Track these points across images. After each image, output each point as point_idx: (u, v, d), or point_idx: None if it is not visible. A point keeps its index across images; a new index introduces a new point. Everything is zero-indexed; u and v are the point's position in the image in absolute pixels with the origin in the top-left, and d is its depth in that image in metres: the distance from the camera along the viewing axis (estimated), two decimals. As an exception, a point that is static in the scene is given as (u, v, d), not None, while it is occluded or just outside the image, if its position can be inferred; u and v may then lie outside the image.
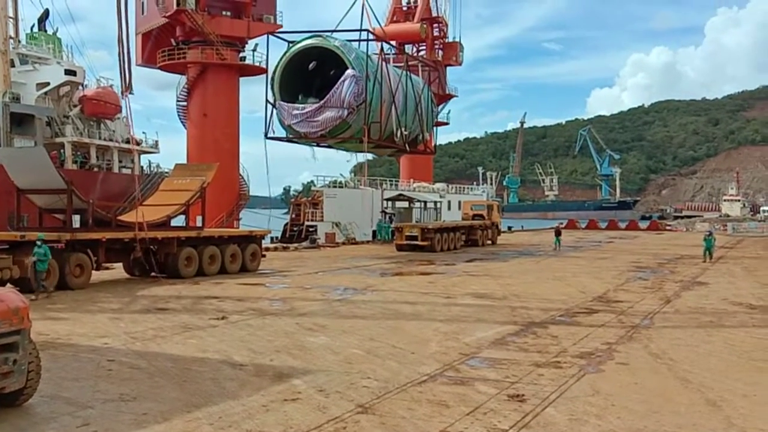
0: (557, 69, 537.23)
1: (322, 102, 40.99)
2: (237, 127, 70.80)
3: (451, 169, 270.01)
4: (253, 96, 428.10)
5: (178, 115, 70.43)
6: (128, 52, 26.90)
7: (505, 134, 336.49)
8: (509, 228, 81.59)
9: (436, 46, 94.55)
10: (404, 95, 47.31)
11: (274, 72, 42.40)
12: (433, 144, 55.98)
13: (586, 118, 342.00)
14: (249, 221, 65.34)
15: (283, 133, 43.73)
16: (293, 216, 62.62)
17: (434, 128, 55.30)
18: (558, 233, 48.53)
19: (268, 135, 43.24)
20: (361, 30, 45.00)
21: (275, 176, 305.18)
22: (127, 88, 26.86)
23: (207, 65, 66.85)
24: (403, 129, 46.79)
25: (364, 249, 47.76)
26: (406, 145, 48.46)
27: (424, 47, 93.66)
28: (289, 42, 43.55)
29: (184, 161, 62.45)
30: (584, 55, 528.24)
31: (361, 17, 46.84)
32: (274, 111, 42.78)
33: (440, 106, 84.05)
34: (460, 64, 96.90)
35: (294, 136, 43.72)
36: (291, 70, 42.53)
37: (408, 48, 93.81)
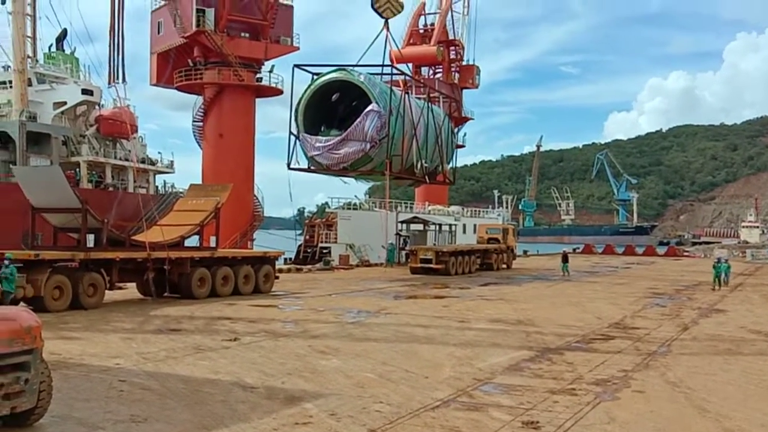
0: (574, 92, 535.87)
1: (344, 134, 41.62)
2: (252, 147, 71.20)
3: (467, 192, 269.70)
4: (269, 117, 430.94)
5: (194, 135, 70.96)
6: (120, 40, 27.05)
7: (521, 157, 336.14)
8: (525, 252, 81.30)
9: (453, 69, 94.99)
10: (425, 127, 47.95)
11: (298, 104, 43.20)
12: (451, 174, 56.41)
13: (603, 142, 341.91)
14: (263, 242, 65.48)
15: (305, 163, 44.36)
16: (307, 237, 62.63)
17: (454, 159, 55.87)
18: (565, 259, 47.74)
19: (291, 165, 43.80)
20: (383, 65, 45.75)
21: (288, 196, 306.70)
22: (115, 77, 26.89)
23: (224, 86, 67.36)
24: (423, 161, 47.25)
25: (378, 271, 47.69)
26: (426, 177, 48.95)
27: (441, 70, 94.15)
28: (313, 74, 44.15)
29: (199, 181, 62.80)
30: (601, 78, 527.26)
31: (384, 49, 47.54)
32: (297, 142, 43.33)
33: (456, 129, 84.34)
34: (476, 87, 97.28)
35: (316, 168, 44.36)
36: (315, 101, 43.66)
37: (424, 71, 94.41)
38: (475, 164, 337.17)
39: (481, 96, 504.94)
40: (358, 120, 41.08)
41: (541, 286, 38.87)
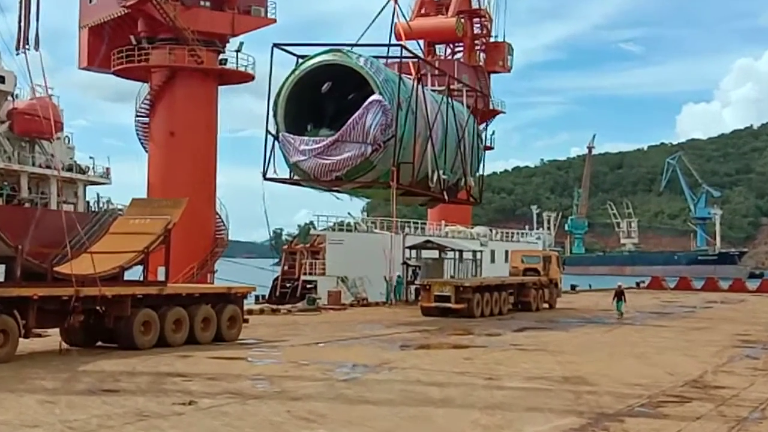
0: (636, 78, 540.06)
1: (338, 134, 41.58)
2: (214, 150, 71.49)
3: (496, 209, 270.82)
4: (236, 110, 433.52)
5: (137, 135, 71.22)
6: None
7: (567, 163, 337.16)
8: (573, 287, 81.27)
9: (477, 47, 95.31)
10: (444, 128, 48.10)
11: (278, 95, 43.14)
12: (477, 190, 56.43)
13: (675, 143, 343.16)
14: (227, 274, 65.56)
15: (285, 172, 44.40)
16: (285, 268, 62.72)
17: (481, 171, 56.00)
18: (620, 296, 47.69)
19: (267, 175, 43.86)
20: (390, 45, 45.88)
21: (262, 215, 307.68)
22: (26, 41, 26.83)
23: (177, 70, 67.67)
24: (440, 172, 47.34)
25: (380, 313, 47.64)
26: (444, 193, 49.01)
27: (462, 48, 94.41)
28: (298, 56, 44.22)
29: (144, 195, 62.96)
30: (672, 59, 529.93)
31: (391, 24, 47.69)
32: (276, 144, 43.39)
33: (483, 126, 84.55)
34: (508, 71, 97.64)
35: (301, 178, 44.35)
36: (300, 92, 43.40)
37: (440, 49, 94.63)
38: (506, 172, 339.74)
39: (514, 82, 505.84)
40: (357, 115, 41.04)
41: (594, 331, 38.76)
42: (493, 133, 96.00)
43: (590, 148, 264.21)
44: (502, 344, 31.68)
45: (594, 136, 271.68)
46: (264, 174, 44.09)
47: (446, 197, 50.18)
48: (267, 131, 43.74)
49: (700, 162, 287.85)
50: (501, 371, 24.10)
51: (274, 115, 43.44)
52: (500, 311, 47.24)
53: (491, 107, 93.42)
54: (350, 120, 41.18)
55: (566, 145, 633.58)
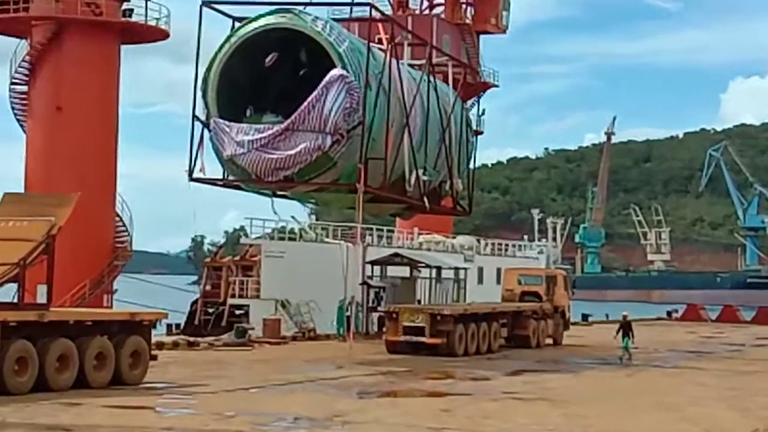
0: (670, 43, 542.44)
1: (288, 121, 41.43)
2: (114, 131, 71.00)
3: (486, 213, 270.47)
4: (146, 78, 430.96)
5: (12, 110, 70.57)
6: None
7: (579, 154, 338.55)
8: (585, 317, 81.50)
9: (463, 0, 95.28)
10: (424, 114, 48.09)
11: (209, 69, 42.99)
12: (465, 196, 56.31)
13: (719, 129, 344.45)
14: (130, 295, 65.29)
15: (217, 170, 44.29)
16: (207, 288, 62.46)
17: (471, 171, 55.85)
18: (626, 329, 46.06)
19: (194, 174, 43.70)
20: (355, 3, 45.89)
21: (177, 218, 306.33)
22: None
23: (66, 23, 67.18)
24: (420, 172, 47.27)
25: (332, 348, 47.71)
26: (425, 198, 48.83)
27: (442, 1, 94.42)
28: (234, 18, 44.07)
29: (19, 189, 62.39)
30: (714, 20, 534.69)
31: None
32: (206, 133, 43.27)
33: (470, 103, 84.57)
34: (503, 31, 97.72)
35: (238, 178, 44.26)
36: (237, 66, 43.32)
37: (414, 2, 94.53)
38: (500, 164, 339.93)
39: (511, 47, 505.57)
40: (314, 96, 40.92)
41: (612, 376, 38.96)
42: (483, 113, 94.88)
43: (609, 135, 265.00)
44: (491, 392, 31.66)
45: (614, 120, 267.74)
46: (190, 173, 43.96)
47: (427, 204, 49.95)
48: (193, 116, 43.64)
49: (752, 154, 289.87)
50: (490, 428, 24.15)
51: (203, 96, 43.24)
52: (490, 348, 47.28)
53: (480, 79, 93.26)
54: (304, 103, 41.06)
55: (578, 130, 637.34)
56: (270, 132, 41.61)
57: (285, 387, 31.67)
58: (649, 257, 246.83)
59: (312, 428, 23.36)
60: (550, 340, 53.85)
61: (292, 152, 41.30)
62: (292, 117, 41.18)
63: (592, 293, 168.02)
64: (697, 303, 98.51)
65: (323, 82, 40.88)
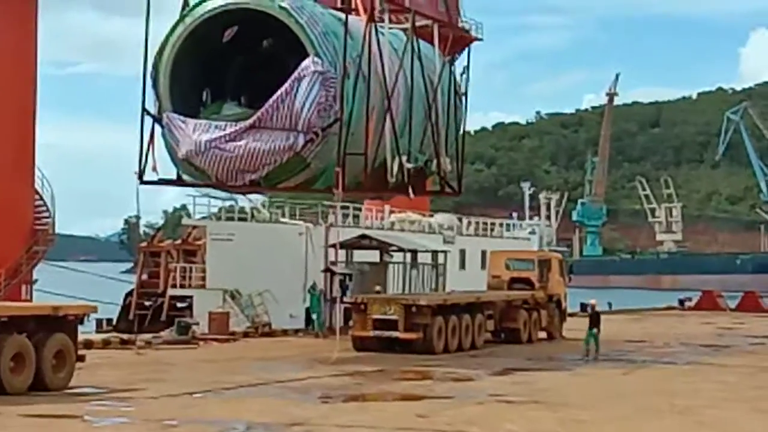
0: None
1: (254, 118, 41.28)
2: (32, 95, 70.71)
3: (469, 187, 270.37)
4: (69, 32, 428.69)
5: None
6: None
7: (577, 118, 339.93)
8: (584, 307, 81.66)
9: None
10: (408, 92, 47.91)
11: (160, 54, 42.93)
12: (454, 175, 56.16)
13: (739, 89, 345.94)
14: (53, 286, 65.08)
15: (172, 171, 44.37)
16: (144, 277, 62.40)
17: (460, 145, 55.68)
18: (594, 321, 46.29)
19: (144, 178, 43.77)
20: None
21: (108, 195, 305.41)
22: None
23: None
24: (404, 158, 47.24)
25: (290, 346, 47.90)
26: (410, 186, 48.82)
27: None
28: None
29: None
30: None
31: None
32: (157, 129, 43.22)
33: (447, 58, 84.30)
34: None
35: (194, 181, 44.48)
36: (193, 51, 43.16)
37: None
38: (485, 131, 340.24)
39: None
40: (284, 89, 40.89)
41: (615, 374, 39.14)
42: (464, 71, 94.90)
43: (611, 96, 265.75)
44: (476, 394, 31.78)
45: (617, 78, 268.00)
46: (140, 176, 43.93)
47: (411, 192, 49.92)
48: (143, 110, 43.50)
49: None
50: (474, 436, 24.17)
51: (154, 85, 43.13)
52: (473, 344, 47.47)
53: (463, 32, 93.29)
54: (273, 97, 40.92)
55: (576, 90, 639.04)
56: (233, 129, 41.42)
57: (235, 391, 31.72)
58: (658, 237, 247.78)
59: (267, 439, 23.33)
60: (543, 334, 54.12)
61: (259, 153, 41.20)
62: (259, 113, 41.00)
63: (592, 279, 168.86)
64: (713, 290, 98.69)
65: (294, 75, 40.80)
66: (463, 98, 55.30)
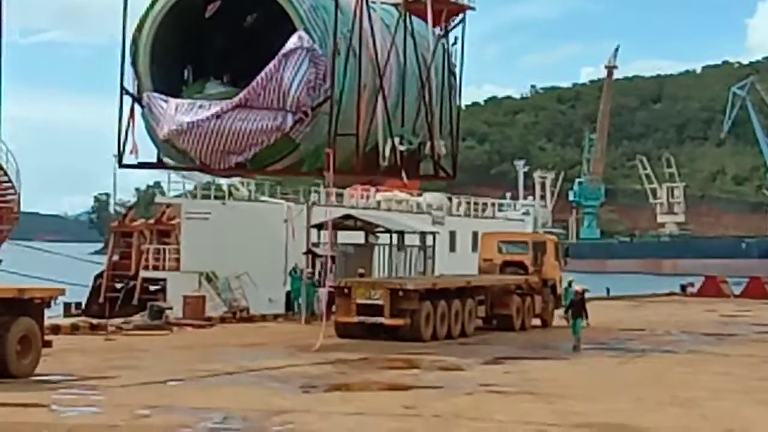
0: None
1: (240, 97, 41.27)
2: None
3: (460, 164, 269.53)
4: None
5: None
6: None
7: (573, 92, 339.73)
8: (579, 292, 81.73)
9: None
10: (400, 70, 48.08)
11: (139, 30, 43.04)
12: (449, 158, 56.18)
13: (745, 63, 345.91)
14: (18, 266, 64.91)
15: (152, 153, 44.44)
16: (115, 258, 62.32)
17: (455, 126, 55.71)
18: (578, 307, 46.06)
19: (124, 160, 43.87)
20: None
21: (77, 173, 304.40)
22: None
23: None
24: (397, 141, 47.26)
25: (270, 332, 47.98)
26: (402, 170, 48.82)
27: None
28: None
29: None
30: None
31: None
32: (138, 109, 43.21)
33: (437, 29, 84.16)
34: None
35: (177, 164, 44.50)
36: (174, 26, 43.26)
37: None
38: (477, 105, 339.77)
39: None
40: (271, 66, 40.90)
41: (613, 363, 39.34)
42: (455, 42, 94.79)
43: (611, 69, 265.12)
44: (465, 384, 31.82)
45: (617, 50, 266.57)
46: (119, 159, 44.17)
47: (405, 176, 50.00)
48: (122, 89, 43.68)
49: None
50: (463, 428, 24.24)
51: (133, 63, 43.19)
52: (463, 331, 47.56)
53: (455, 5, 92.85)
54: (260, 75, 40.88)
55: (572, 63, 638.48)
56: (218, 108, 41.37)
57: (211, 379, 31.74)
58: (659, 219, 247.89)
59: (245, 429, 23.36)
60: (537, 321, 54.19)
61: (246, 133, 41.16)
62: (245, 91, 41.07)
63: (589, 263, 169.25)
64: (717, 275, 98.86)
65: (282, 52, 40.77)
66: (457, 77, 55.42)
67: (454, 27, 55.59)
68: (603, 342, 47.10)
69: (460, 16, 56.08)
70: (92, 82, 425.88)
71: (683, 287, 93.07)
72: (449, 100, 53.71)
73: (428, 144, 50.80)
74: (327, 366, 35.77)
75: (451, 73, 54.02)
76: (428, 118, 50.13)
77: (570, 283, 50.69)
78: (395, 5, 49.15)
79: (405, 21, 48.41)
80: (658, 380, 34.15)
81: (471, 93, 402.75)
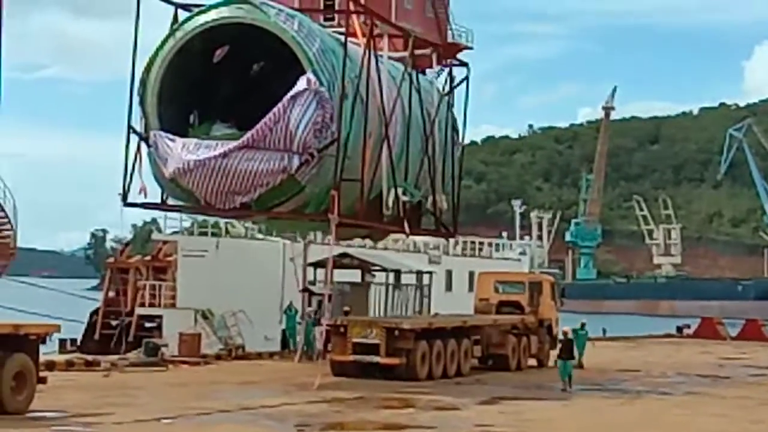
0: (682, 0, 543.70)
1: (247, 137, 41.32)
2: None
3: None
4: (37, 35, 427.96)
5: None
6: None
7: (571, 133, 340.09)
8: (577, 332, 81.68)
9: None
10: (405, 121, 48.14)
11: (148, 70, 43.02)
12: (449, 214, 56.24)
13: (742, 105, 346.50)
14: (13, 302, 64.90)
15: (156, 193, 44.58)
16: (111, 295, 62.22)
17: (457, 182, 55.84)
18: (566, 348, 46.90)
19: (128, 200, 44.24)
20: None
21: (74, 207, 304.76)
22: None
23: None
24: (399, 190, 47.33)
25: (266, 370, 48.01)
26: (406, 221, 48.87)
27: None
28: (178, 5, 43.94)
29: None
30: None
31: None
32: (144, 148, 43.28)
33: (437, 70, 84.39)
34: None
35: (183, 203, 44.68)
36: (181, 67, 43.27)
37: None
38: (474, 145, 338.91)
39: (488, 1, 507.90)
40: (279, 107, 40.94)
41: (609, 405, 39.20)
42: (452, 80, 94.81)
43: (608, 110, 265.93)
44: (460, 424, 31.87)
45: (614, 91, 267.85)
46: (124, 197, 44.11)
47: (408, 230, 50.04)
48: (129, 128, 43.68)
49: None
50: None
51: (141, 102, 43.21)
52: (459, 371, 47.53)
53: (452, 40, 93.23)
54: (266, 117, 40.92)
55: (570, 103, 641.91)
56: (224, 148, 41.36)
57: (207, 417, 31.73)
58: (656, 260, 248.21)
59: (239, 468, 23.35)
60: (533, 361, 54.07)
61: (252, 174, 41.13)
62: (252, 132, 41.04)
63: (586, 304, 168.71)
64: (713, 317, 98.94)
65: (291, 93, 40.81)
66: (460, 133, 55.73)
67: (458, 85, 55.72)
68: (599, 383, 47.05)
69: (464, 72, 56.08)
70: (90, 119, 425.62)
71: (679, 329, 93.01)
72: (451, 157, 53.86)
73: (430, 198, 50.92)
74: (323, 404, 35.74)
75: (454, 129, 54.20)
76: (431, 172, 50.21)
77: (583, 326, 50.41)
78: (400, 59, 49.33)
79: (410, 75, 48.53)
80: (654, 422, 34.18)
81: (468, 132, 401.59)
